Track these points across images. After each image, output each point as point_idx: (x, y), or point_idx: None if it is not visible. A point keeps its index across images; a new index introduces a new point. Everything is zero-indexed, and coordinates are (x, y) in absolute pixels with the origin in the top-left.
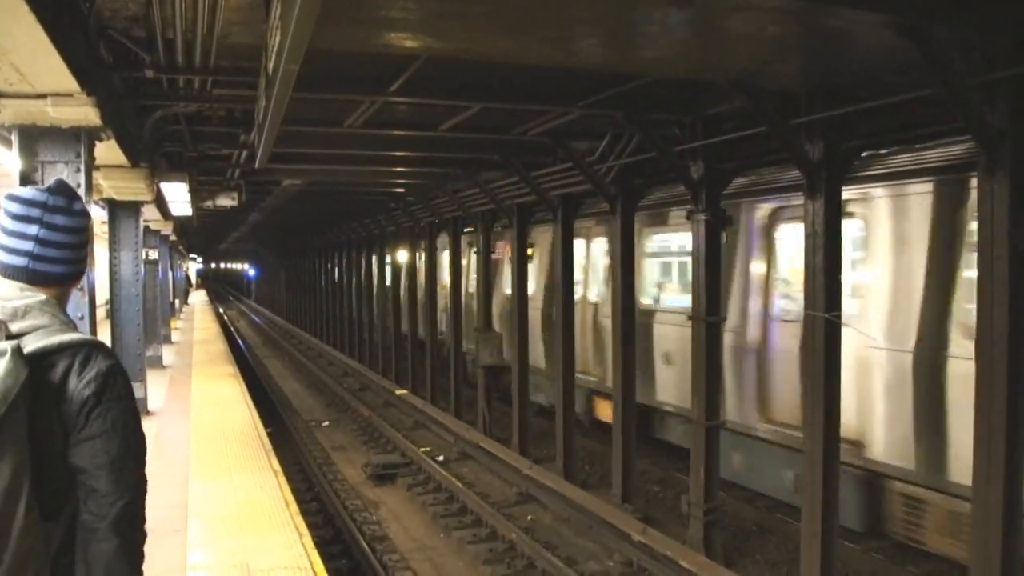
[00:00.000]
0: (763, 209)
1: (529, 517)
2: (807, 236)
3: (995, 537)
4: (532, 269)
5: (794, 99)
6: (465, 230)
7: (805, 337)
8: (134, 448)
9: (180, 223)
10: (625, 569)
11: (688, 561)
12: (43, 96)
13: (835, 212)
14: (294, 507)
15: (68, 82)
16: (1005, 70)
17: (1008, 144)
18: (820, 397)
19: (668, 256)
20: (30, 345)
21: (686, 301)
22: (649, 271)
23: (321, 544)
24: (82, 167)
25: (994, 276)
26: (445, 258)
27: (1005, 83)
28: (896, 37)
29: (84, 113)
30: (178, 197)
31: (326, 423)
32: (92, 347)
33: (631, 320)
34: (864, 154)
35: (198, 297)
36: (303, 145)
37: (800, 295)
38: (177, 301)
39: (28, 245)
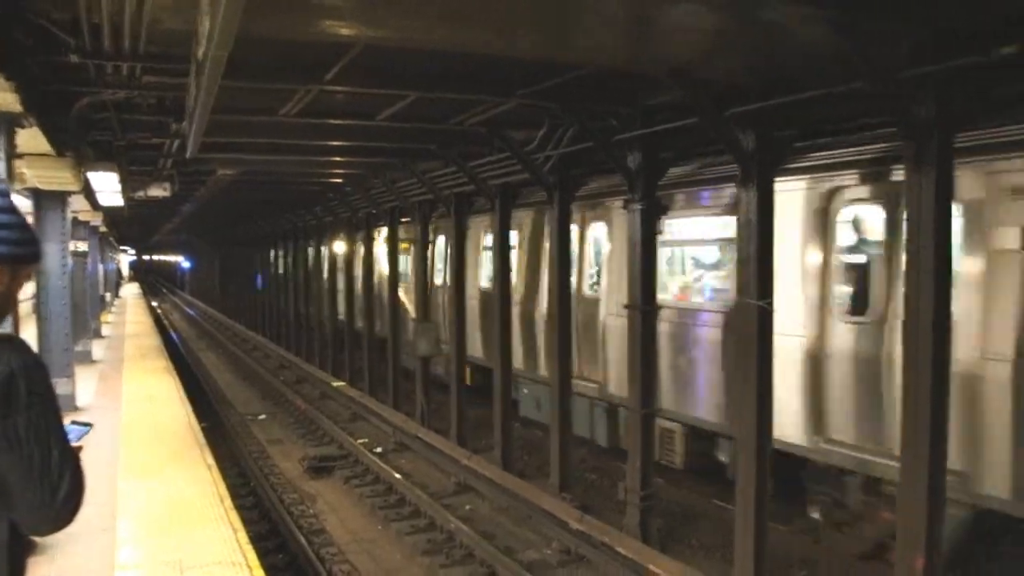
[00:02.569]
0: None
1: (468, 507)
2: (741, 225)
3: (920, 510)
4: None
5: (729, 90)
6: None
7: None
8: (57, 449)
9: (111, 214)
10: (563, 557)
11: (625, 547)
12: None
13: (768, 201)
14: (229, 502)
15: None
16: (932, 64)
17: (935, 137)
18: (753, 384)
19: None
20: None
21: None
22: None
23: (257, 539)
24: (1, 155)
25: (920, 265)
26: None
27: (932, 77)
28: (827, 31)
29: (3, 99)
30: (107, 187)
31: (262, 416)
32: (2, 343)
33: (568, 308)
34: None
35: (130, 290)
36: (237, 134)
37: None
38: (108, 294)
39: None
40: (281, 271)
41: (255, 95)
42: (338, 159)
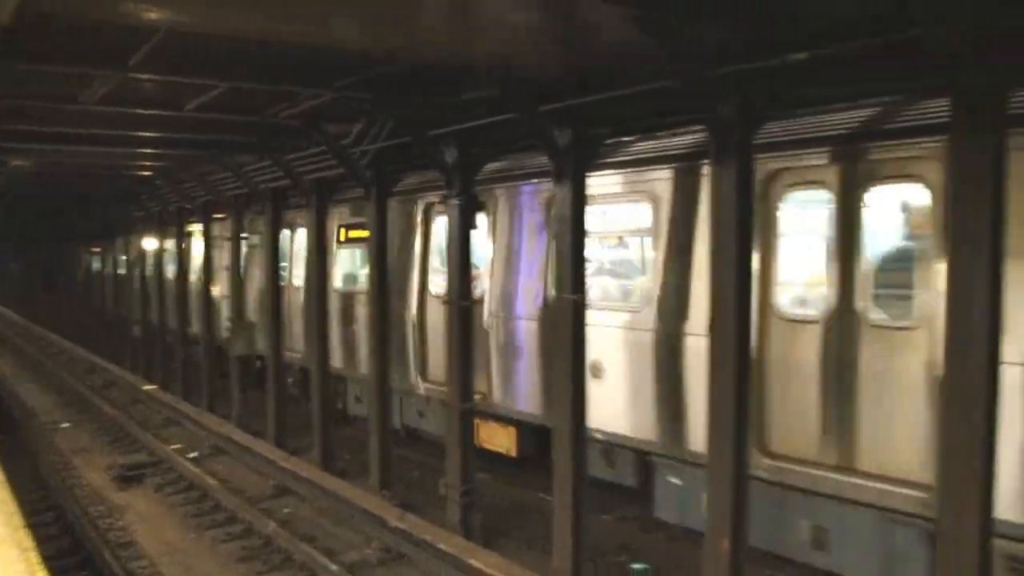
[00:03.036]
0: None
1: (286, 510)
2: (558, 220)
3: (727, 497)
4: None
5: (545, 86)
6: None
7: None
8: None
9: None
10: (384, 556)
11: (446, 544)
12: None
13: (580, 197)
14: (18, 520)
15: None
16: (736, 65)
17: (736, 134)
18: (568, 375)
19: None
20: None
21: None
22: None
23: (59, 556)
24: None
25: (724, 254)
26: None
27: (734, 78)
28: (637, 30)
29: None
30: None
31: (66, 425)
32: None
33: (384, 309)
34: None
35: None
36: (31, 122)
37: None
38: None
39: None
40: (89, 270)
41: (51, 80)
42: (147, 151)
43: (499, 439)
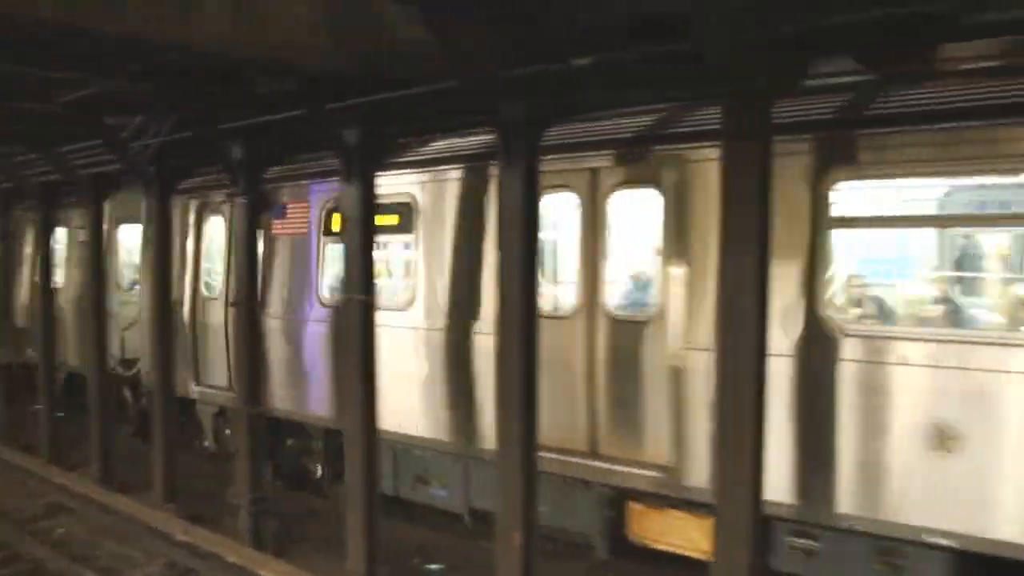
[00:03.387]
0: None
1: (60, 531)
2: (349, 222)
3: (517, 491)
4: None
5: (337, 83)
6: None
7: None
8: None
9: None
10: (169, 571)
11: (235, 555)
12: None
13: (370, 197)
14: None
15: None
16: (521, 68)
17: (523, 135)
18: (358, 378)
19: None
20: None
21: None
22: None
23: None
24: None
25: (512, 253)
26: None
27: (521, 80)
28: (422, 30)
29: None
30: None
31: None
32: None
33: (167, 311)
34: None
35: None
36: None
37: None
38: None
39: None
40: None
41: None
42: None
43: (685, 534)
